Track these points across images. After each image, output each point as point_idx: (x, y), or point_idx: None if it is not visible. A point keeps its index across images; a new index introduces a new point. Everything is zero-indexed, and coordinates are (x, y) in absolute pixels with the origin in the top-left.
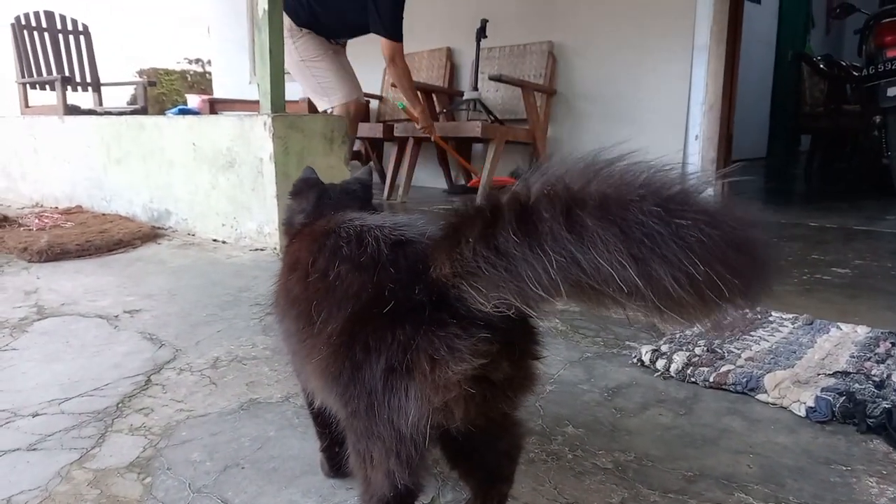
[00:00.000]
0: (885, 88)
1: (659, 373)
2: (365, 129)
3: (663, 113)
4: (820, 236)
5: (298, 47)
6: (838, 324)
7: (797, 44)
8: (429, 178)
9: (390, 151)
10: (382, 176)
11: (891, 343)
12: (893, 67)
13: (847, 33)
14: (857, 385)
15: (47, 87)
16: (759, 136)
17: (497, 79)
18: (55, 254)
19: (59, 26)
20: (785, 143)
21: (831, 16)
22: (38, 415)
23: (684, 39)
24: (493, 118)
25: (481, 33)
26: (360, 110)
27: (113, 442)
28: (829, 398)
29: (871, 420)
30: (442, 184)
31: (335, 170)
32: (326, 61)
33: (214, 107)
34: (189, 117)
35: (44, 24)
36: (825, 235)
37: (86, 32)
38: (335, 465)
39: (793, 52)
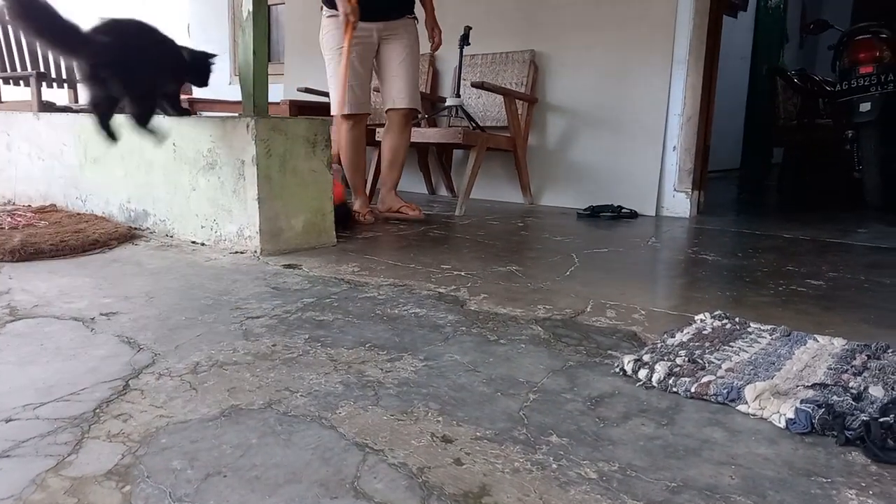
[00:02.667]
0: (858, 104)
1: (641, 382)
2: None
3: (642, 123)
4: (794, 248)
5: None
6: (815, 336)
7: (772, 58)
8: (409, 183)
9: (371, 156)
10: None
11: (866, 355)
12: (866, 84)
13: (820, 48)
14: (835, 397)
15: (21, 82)
16: (733, 148)
17: (479, 86)
18: (28, 253)
19: None
20: (759, 154)
21: (805, 31)
22: (11, 420)
23: (664, 52)
24: (474, 125)
25: (464, 40)
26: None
27: (90, 449)
28: (809, 410)
29: (850, 432)
30: (423, 188)
31: (318, 174)
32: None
33: (194, 106)
34: (170, 118)
35: None
36: (799, 247)
37: None
38: None
39: (768, 66)
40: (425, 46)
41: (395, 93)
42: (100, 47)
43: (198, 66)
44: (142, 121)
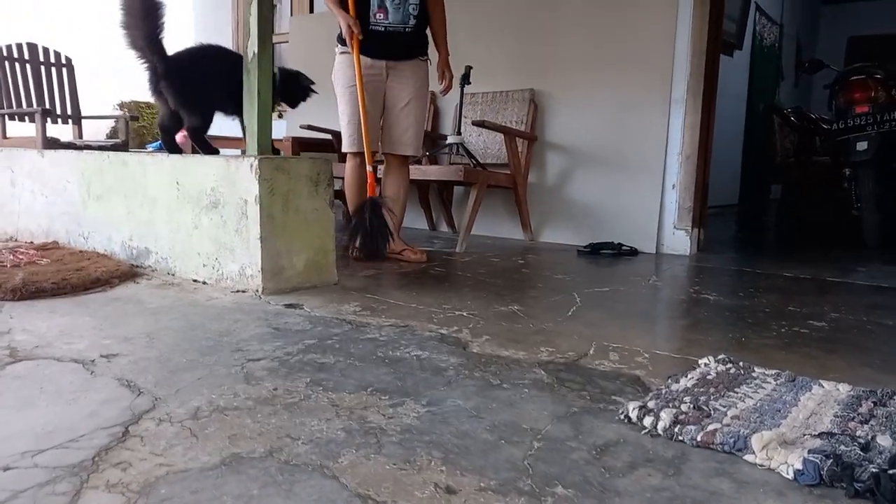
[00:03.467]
0: (854, 143)
1: (646, 430)
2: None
3: (642, 161)
4: (795, 287)
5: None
6: (820, 381)
7: (767, 96)
8: (410, 219)
9: None
10: None
11: (872, 402)
12: (862, 123)
13: (815, 86)
14: (842, 447)
15: (26, 118)
16: (731, 183)
17: (480, 124)
18: (30, 292)
19: (41, 58)
20: (757, 190)
21: (800, 70)
22: (9, 468)
23: (662, 92)
24: (475, 162)
25: (465, 79)
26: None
27: (89, 500)
28: (817, 460)
29: (859, 484)
30: (423, 224)
31: (320, 212)
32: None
33: None
34: (174, 156)
35: (26, 56)
36: (800, 286)
37: (69, 65)
38: None
39: (764, 104)
40: (434, 85)
41: (396, 137)
42: (163, 62)
43: (288, 87)
44: (195, 134)
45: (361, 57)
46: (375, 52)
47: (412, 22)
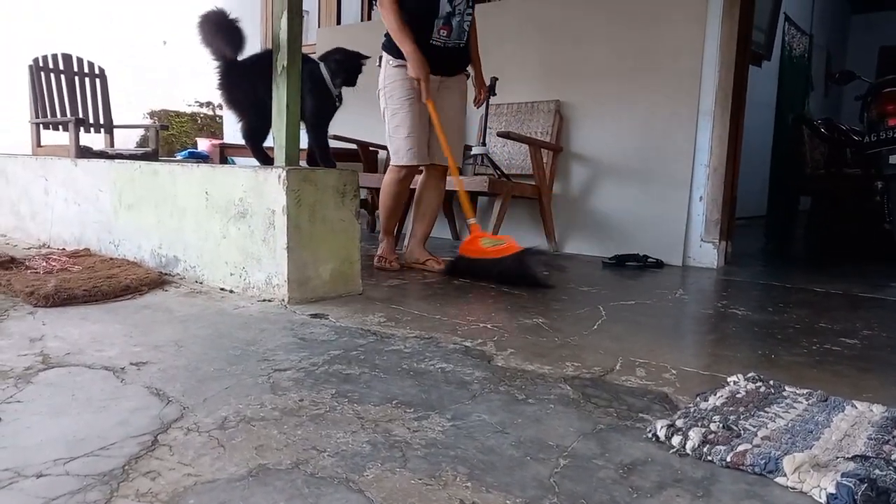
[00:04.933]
0: (887, 156)
1: (675, 450)
2: (373, 180)
3: (668, 173)
4: (826, 303)
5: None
6: (853, 401)
7: (796, 106)
8: (434, 229)
9: None
10: None
11: None
12: (895, 136)
13: (846, 97)
14: (877, 471)
15: (60, 127)
16: (759, 194)
17: (505, 136)
18: (62, 299)
19: (75, 69)
20: (785, 202)
21: (831, 81)
22: (42, 475)
23: (690, 104)
24: (500, 173)
25: (491, 91)
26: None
27: None
28: (851, 485)
29: None
30: (447, 234)
31: (346, 223)
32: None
33: (224, 151)
34: (204, 166)
35: (61, 67)
36: (831, 302)
37: (101, 75)
38: None
39: (793, 115)
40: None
41: (441, 149)
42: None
43: (344, 67)
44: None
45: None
46: (433, 68)
47: (465, 38)
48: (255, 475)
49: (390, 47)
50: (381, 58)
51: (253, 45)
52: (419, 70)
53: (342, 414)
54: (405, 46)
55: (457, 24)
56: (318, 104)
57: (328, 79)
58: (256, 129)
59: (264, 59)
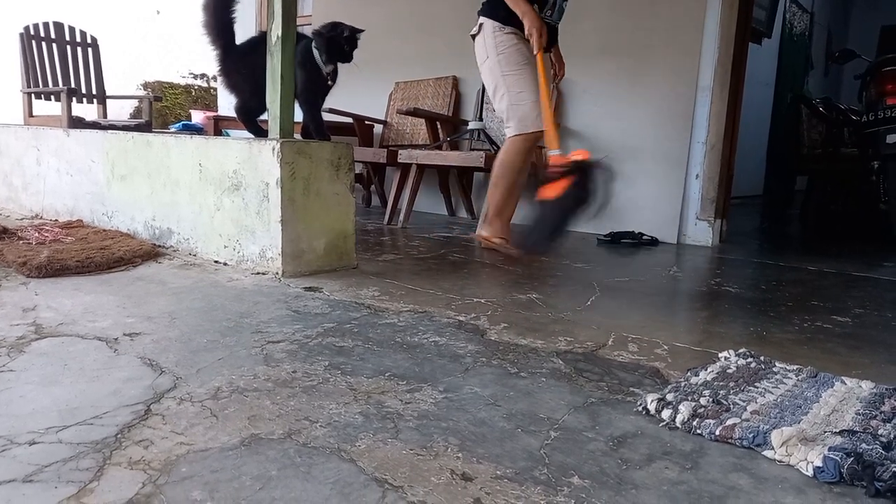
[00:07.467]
0: (885, 135)
1: (664, 423)
2: (368, 154)
3: (665, 150)
4: (819, 281)
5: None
6: (843, 378)
7: (796, 85)
8: (429, 204)
9: (392, 176)
10: (384, 200)
11: (895, 400)
12: (893, 115)
13: (845, 77)
14: (864, 445)
15: (52, 97)
16: (755, 173)
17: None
18: (55, 269)
19: (67, 38)
20: (782, 181)
21: (830, 60)
22: (35, 443)
23: (688, 80)
24: (496, 149)
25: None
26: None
27: (112, 476)
28: (837, 458)
29: (880, 483)
30: (442, 210)
31: (341, 196)
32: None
33: (218, 124)
34: (197, 138)
35: (52, 36)
36: (824, 281)
37: (94, 45)
38: None
39: (792, 94)
40: (432, 74)
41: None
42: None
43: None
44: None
45: (525, 43)
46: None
47: (562, 18)
48: (248, 444)
49: (498, 15)
50: (479, 27)
51: (248, 16)
52: (538, 21)
53: (335, 385)
54: (521, 6)
55: (559, 6)
56: (308, 80)
57: (317, 56)
58: (251, 108)
59: (263, 45)
